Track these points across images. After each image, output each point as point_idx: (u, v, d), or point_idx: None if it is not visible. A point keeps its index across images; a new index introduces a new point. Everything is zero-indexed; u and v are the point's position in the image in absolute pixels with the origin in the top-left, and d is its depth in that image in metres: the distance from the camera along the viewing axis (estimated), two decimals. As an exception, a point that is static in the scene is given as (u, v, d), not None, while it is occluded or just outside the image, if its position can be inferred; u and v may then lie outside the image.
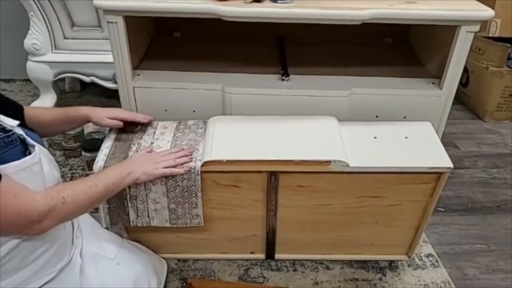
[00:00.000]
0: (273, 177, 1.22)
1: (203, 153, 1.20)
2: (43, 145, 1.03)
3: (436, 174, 1.21)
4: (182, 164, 1.16)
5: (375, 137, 1.29)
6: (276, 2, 1.20)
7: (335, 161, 1.17)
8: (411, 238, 1.40)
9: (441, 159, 1.21)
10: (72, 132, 1.92)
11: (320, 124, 1.30)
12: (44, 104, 2.21)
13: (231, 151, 1.19)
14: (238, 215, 1.33)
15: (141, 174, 1.10)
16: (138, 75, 1.38)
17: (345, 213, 1.32)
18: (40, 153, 0.93)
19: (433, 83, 1.39)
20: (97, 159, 1.20)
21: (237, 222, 1.35)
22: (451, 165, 1.19)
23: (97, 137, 1.97)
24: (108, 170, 1.10)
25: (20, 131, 0.94)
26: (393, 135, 1.30)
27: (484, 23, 2.20)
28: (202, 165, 1.17)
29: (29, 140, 0.94)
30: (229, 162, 1.17)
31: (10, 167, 0.85)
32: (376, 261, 1.49)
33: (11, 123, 0.94)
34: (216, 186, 1.24)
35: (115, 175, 1.06)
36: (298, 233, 1.39)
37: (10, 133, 0.89)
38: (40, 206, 0.87)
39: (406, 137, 1.29)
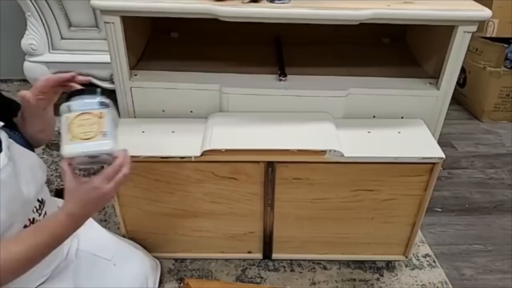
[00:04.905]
0: (270, 169, 1.24)
1: (202, 144, 1.22)
2: (31, 149, 1.00)
3: (429, 165, 1.24)
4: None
5: (369, 132, 1.32)
6: (273, 2, 1.20)
7: (330, 150, 1.20)
8: (407, 236, 1.41)
9: (433, 150, 1.25)
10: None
11: (315, 118, 1.34)
12: (41, 104, 2.20)
13: (230, 142, 1.22)
14: (236, 209, 1.34)
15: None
16: (135, 75, 1.37)
17: (341, 208, 1.33)
18: (16, 157, 0.89)
19: (430, 83, 1.39)
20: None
21: (235, 217, 1.36)
22: (443, 156, 1.22)
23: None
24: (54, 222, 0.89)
25: (2, 134, 0.91)
26: (386, 130, 1.33)
27: (482, 23, 2.20)
28: (202, 155, 1.20)
29: (4, 141, 0.89)
30: (227, 151, 1.19)
31: None
32: (374, 261, 1.49)
33: None
34: (214, 178, 1.27)
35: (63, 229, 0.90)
36: (295, 230, 1.40)
37: None
38: None
39: (399, 132, 1.32)
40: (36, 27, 1.99)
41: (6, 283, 0.85)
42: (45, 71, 2.09)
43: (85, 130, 0.91)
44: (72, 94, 0.95)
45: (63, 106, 0.93)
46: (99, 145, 0.92)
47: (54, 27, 2.02)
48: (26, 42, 2.01)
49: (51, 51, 2.08)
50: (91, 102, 0.93)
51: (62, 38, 2.05)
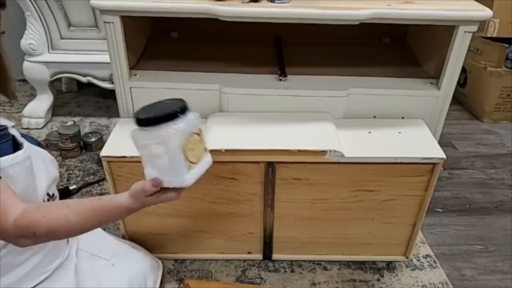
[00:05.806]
0: (270, 169, 1.24)
1: None
2: (42, 147, 1.04)
3: (430, 165, 1.24)
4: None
5: (369, 132, 1.32)
6: (274, 2, 1.20)
7: (330, 151, 1.20)
8: (408, 236, 1.41)
9: (434, 151, 1.25)
10: (70, 132, 1.92)
11: (315, 118, 1.33)
12: (41, 105, 2.20)
13: (230, 142, 1.21)
14: (235, 210, 1.34)
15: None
16: (135, 75, 1.37)
17: (342, 208, 1.33)
18: (30, 151, 0.93)
19: (431, 83, 1.38)
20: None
21: (235, 218, 1.36)
22: (444, 156, 1.22)
23: (94, 138, 1.98)
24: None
25: (14, 131, 0.94)
26: (386, 130, 1.33)
27: (482, 23, 2.20)
28: None
29: (19, 137, 0.94)
30: (227, 151, 1.19)
31: (8, 160, 0.85)
32: (374, 262, 1.49)
33: (6, 123, 0.94)
34: (214, 179, 1.26)
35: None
36: (295, 231, 1.40)
37: (2, 127, 0.90)
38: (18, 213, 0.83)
39: (399, 132, 1.32)
40: (36, 27, 1.98)
41: (46, 242, 0.93)
42: (44, 71, 2.09)
43: (196, 154, 0.91)
44: (148, 118, 0.86)
45: (162, 131, 0.85)
46: (206, 164, 0.95)
47: (53, 27, 2.01)
48: (26, 42, 2.01)
49: (50, 51, 2.08)
50: (192, 118, 0.90)
51: (61, 38, 2.05)
